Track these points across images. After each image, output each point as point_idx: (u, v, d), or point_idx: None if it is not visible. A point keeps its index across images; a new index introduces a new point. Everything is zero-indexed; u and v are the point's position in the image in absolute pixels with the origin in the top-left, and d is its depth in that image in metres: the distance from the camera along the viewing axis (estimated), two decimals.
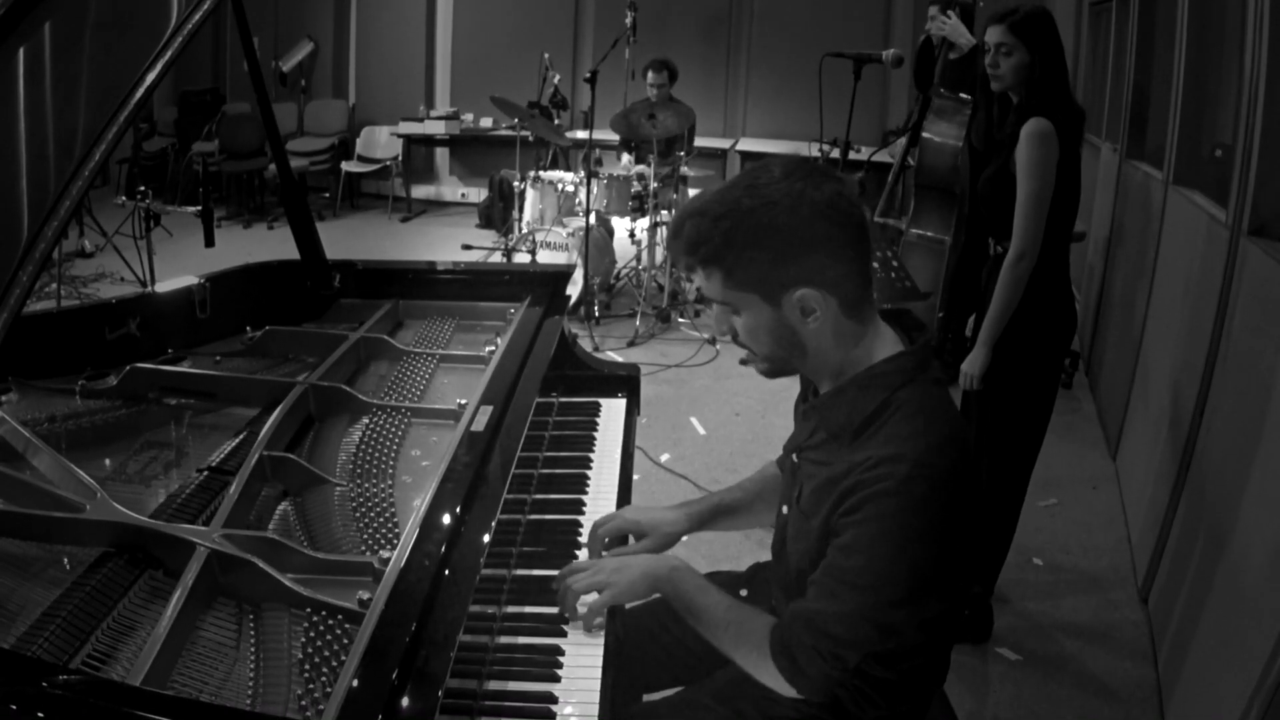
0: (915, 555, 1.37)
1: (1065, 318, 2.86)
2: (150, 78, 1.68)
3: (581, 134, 6.98)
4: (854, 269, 1.43)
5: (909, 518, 1.35)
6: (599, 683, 1.51)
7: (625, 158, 6.88)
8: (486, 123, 9.44)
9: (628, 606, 1.75)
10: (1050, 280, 2.77)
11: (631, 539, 1.86)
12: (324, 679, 1.27)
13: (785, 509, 1.64)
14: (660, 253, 6.35)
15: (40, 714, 1.05)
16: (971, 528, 1.45)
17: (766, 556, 1.79)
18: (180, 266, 2.88)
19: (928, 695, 1.63)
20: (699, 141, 7.04)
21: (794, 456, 1.62)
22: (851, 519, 1.38)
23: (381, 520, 1.63)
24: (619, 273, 6.70)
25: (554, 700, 1.46)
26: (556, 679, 1.51)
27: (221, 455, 1.81)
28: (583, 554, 1.84)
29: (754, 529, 2.06)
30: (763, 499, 1.91)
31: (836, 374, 1.50)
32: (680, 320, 6.21)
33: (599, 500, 2.05)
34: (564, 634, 1.61)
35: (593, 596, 1.63)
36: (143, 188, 5.24)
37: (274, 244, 7.86)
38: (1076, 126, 2.75)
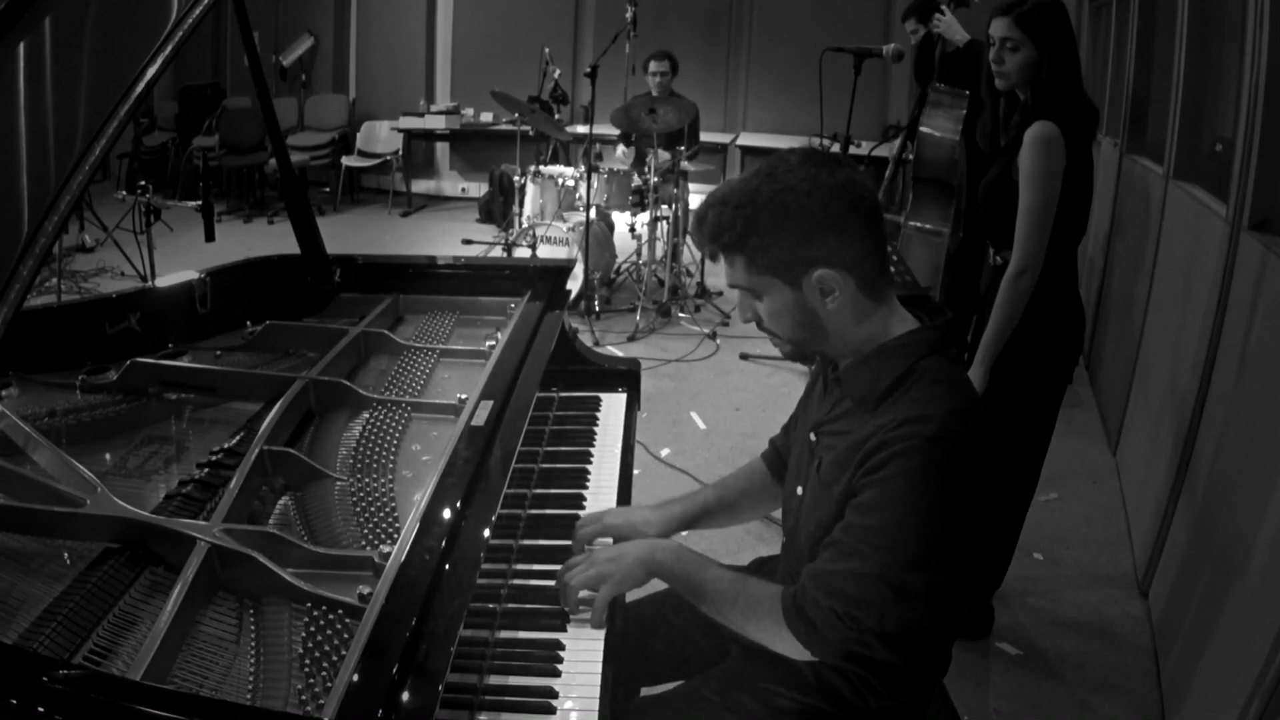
0: (933, 516, 1.39)
1: (1071, 332, 2.72)
2: (151, 72, 1.67)
3: (582, 129, 6.98)
4: (869, 249, 1.47)
5: (929, 477, 1.38)
6: (599, 677, 1.51)
7: (620, 149, 6.87)
8: (487, 117, 9.44)
9: (629, 598, 1.76)
10: (1057, 292, 2.63)
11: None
12: (324, 674, 1.27)
13: (800, 490, 1.65)
14: (660, 247, 6.35)
15: (41, 708, 1.05)
16: (991, 503, 1.47)
17: (767, 551, 1.79)
18: (180, 261, 2.89)
19: (929, 687, 1.63)
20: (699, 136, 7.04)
21: (812, 435, 1.63)
22: (873, 478, 1.42)
23: (382, 515, 1.63)
24: (619, 267, 6.70)
25: (554, 695, 1.46)
26: (557, 674, 1.51)
27: (222, 450, 1.81)
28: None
29: (743, 524, 2.07)
30: (749, 496, 1.95)
31: (856, 351, 1.54)
32: (680, 315, 6.21)
33: (599, 495, 2.05)
34: (564, 629, 1.61)
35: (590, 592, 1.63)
36: (143, 182, 5.21)
37: (274, 238, 7.86)
38: (1088, 128, 2.61)
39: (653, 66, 6.41)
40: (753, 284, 1.51)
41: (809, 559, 1.54)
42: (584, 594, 1.64)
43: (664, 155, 6.22)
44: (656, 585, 1.74)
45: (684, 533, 1.86)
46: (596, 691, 1.48)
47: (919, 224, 5.02)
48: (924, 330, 1.52)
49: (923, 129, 4.88)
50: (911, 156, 5.09)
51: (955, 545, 1.42)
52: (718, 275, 6.06)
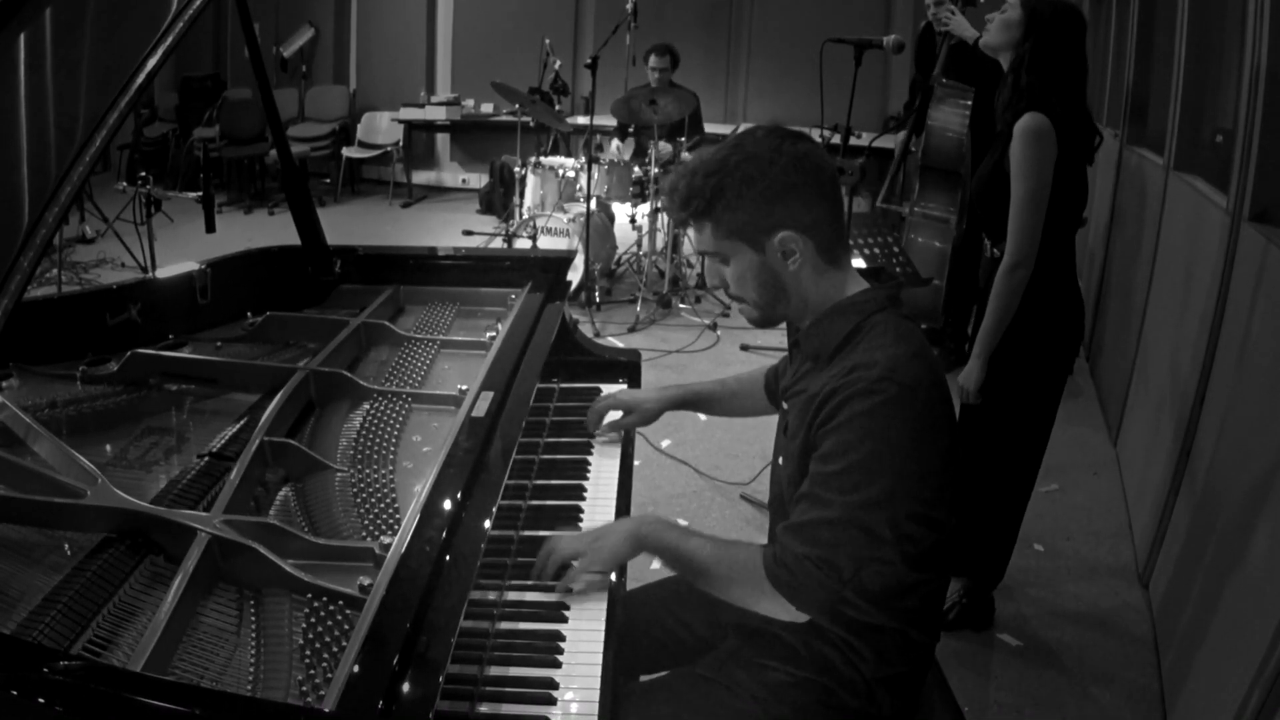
0: (888, 452, 1.45)
1: (1070, 325, 2.69)
2: (151, 63, 1.67)
3: (582, 120, 6.97)
4: (827, 215, 1.57)
5: (878, 416, 1.45)
6: (600, 668, 1.51)
7: (615, 143, 6.86)
8: (487, 108, 9.42)
9: (628, 589, 1.76)
10: (1054, 284, 2.61)
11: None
12: (325, 664, 1.27)
13: (780, 460, 1.70)
14: (661, 238, 6.34)
15: (41, 700, 1.06)
16: (945, 446, 1.52)
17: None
18: (181, 252, 2.89)
19: (919, 656, 1.62)
20: None
21: (784, 404, 1.70)
22: (829, 426, 1.48)
23: (382, 506, 1.63)
24: (620, 258, 6.69)
25: (555, 686, 1.47)
26: (557, 664, 1.51)
27: (222, 441, 1.81)
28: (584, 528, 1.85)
29: (730, 417, 2.24)
30: (739, 397, 2.13)
31: (815, 312, 1.62)
32: (681, 306, 6.20)
33: (600, 486, 2.05)
34: (565, 620, 1.61)
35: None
36: (144, 173, 5.23)
37: (275, 229, 7.86)
38: (1084, 125, 2.58)
39: (652, 61, 6.40)
40: (720, 248, 1.59)
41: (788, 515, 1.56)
42: (576, 583, 1.65)
43: (665, 146, 6.21)
44: (654, 576, 1.74)
45: (678, 521, 1.86)
46: (597, 682, 1.48)
47: (925, 209, 5.00)
48: (874, 290, 1.60)
49: (931, 122, 4.88)
50: (915, 148, 5.09)
51: (915, 482, 1.46)
52: None
